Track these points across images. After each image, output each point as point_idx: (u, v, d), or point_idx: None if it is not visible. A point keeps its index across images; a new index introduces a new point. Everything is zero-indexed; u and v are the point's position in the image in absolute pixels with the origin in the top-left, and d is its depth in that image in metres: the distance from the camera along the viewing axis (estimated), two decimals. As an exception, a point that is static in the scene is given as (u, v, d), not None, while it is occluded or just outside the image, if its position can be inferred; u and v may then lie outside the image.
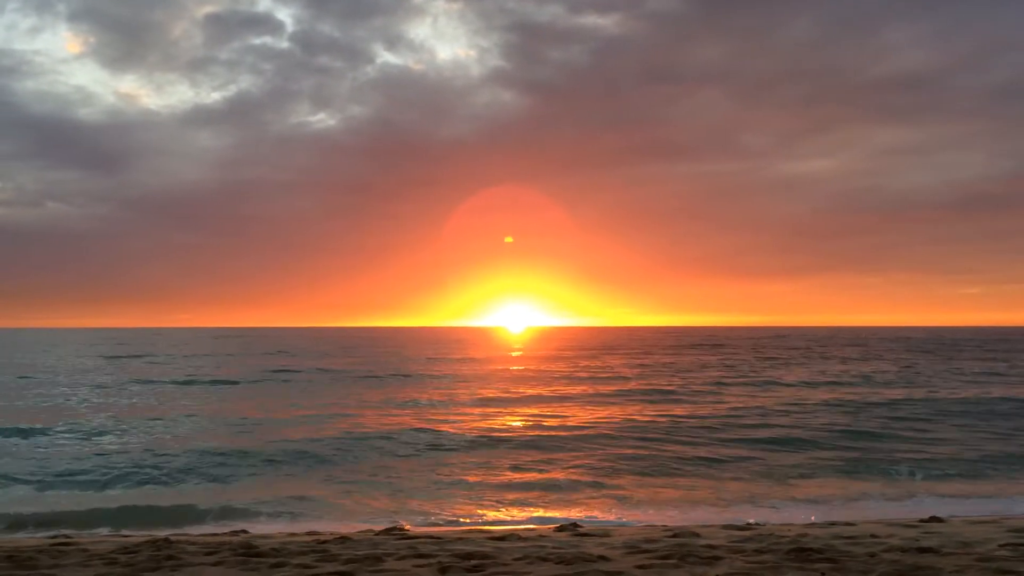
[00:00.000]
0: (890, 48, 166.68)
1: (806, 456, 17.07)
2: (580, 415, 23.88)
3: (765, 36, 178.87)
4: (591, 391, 31.71)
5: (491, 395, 30.10)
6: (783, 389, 32.83)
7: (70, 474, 14.86)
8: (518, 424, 22.02)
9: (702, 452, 17.46)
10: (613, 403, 27.36)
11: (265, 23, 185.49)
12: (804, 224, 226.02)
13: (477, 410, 25.30)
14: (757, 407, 25.71)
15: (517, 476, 15.04)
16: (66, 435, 19.55)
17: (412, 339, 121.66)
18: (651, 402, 27.58)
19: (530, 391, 31.72)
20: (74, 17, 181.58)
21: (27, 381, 37.22)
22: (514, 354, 68.02)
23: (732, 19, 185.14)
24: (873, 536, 9.00)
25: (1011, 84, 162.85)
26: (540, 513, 12.27)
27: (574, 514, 11.99)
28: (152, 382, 36.21)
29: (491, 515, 12.19)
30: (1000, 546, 8.25)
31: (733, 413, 24.08)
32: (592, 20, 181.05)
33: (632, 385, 34.52)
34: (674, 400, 28.25)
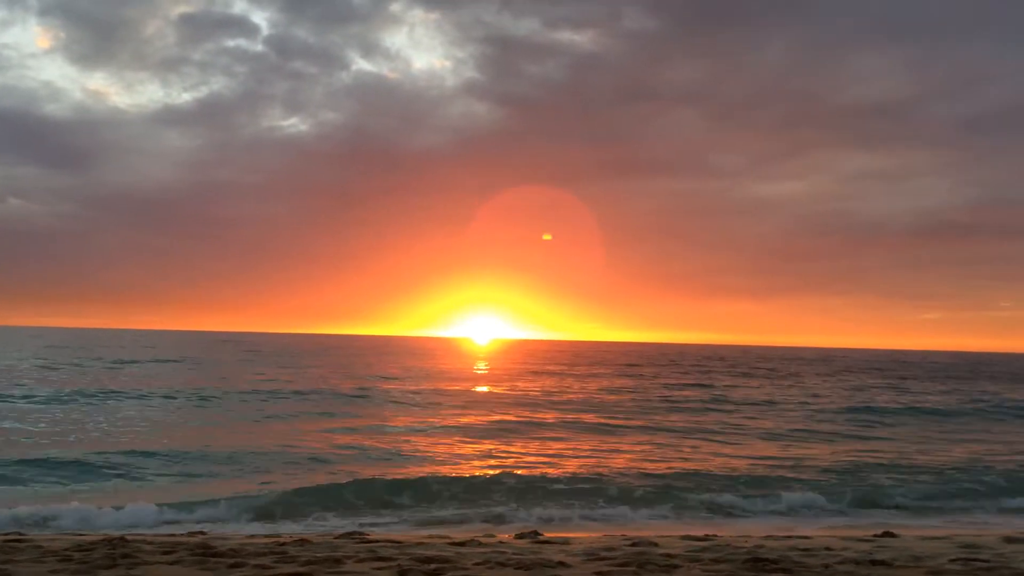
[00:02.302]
0: (863, 75, 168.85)
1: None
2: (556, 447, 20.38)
3: (740, 59, 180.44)
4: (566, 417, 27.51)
5: (464, 422, 25.67)
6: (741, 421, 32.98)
7: None
8: (484, 458, 18.58)
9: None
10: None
11: (240, 25, 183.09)
12: (774, 245, 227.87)
13: (445, 439, 21.63)
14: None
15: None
16: None
17: (380, 349, 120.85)
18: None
19: (508, 416, 27.33)
20: (45, 12, 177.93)
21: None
22: (485, 370, 62.14)
23: (707, 40, 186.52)
24: (828, 549, 9.15)
25: (980, 115, 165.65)
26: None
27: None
28: (62, 398, 28.65)
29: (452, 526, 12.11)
30: (950, 560, 8.42)
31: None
32: (567, 36, 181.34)
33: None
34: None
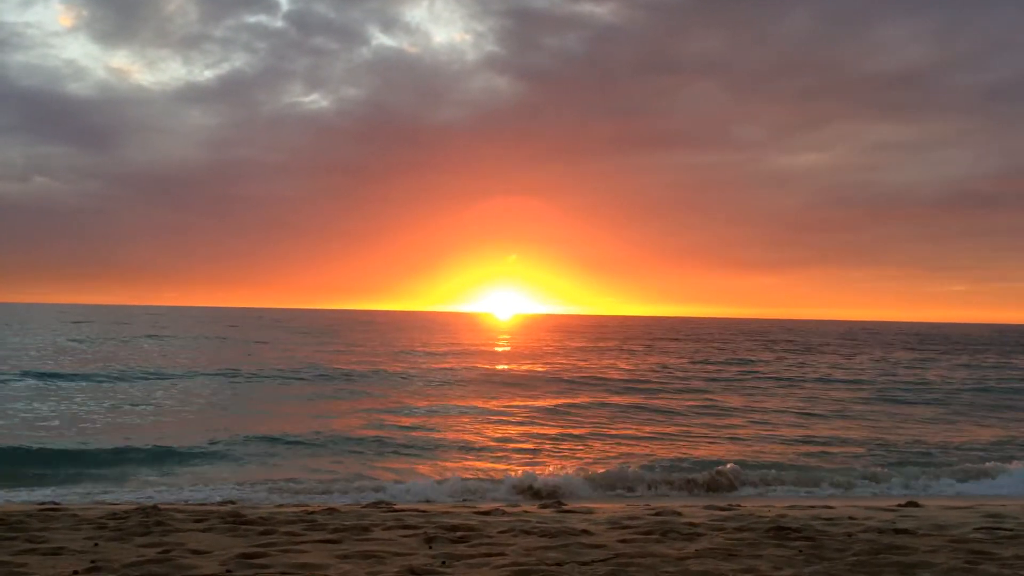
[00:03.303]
0: (886, 44, 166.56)
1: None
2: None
3: (761, 29, 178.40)
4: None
5: (497, 404, 24.53)
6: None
7: None
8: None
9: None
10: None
11: (260, 1, 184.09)
12: (795, 217, 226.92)
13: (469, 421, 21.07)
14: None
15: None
16: None
17: (403, 324, 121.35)
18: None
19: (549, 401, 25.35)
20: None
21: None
22: (514, 347, 60.26)
23: (728, 11, 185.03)
24: (851, 518, 9.17)
25: (1005, 83, 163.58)
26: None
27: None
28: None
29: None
30: (975, 529, 8.42)
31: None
32: (588, 8, 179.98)
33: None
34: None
